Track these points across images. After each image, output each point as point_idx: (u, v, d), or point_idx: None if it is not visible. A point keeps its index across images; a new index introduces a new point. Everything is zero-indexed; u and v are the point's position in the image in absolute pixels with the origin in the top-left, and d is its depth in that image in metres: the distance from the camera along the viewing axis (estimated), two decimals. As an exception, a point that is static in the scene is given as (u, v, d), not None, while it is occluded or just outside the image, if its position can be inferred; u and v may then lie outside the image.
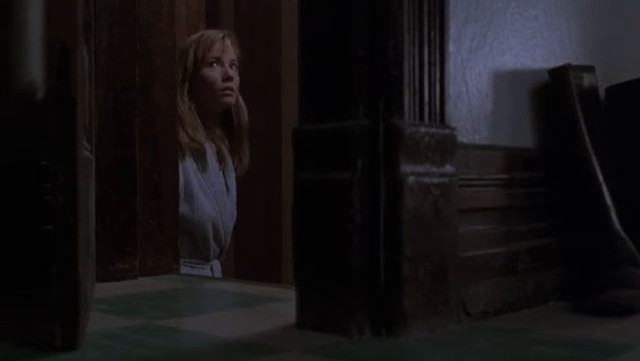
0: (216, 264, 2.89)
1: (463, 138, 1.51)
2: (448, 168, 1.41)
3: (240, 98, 3.03)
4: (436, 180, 1.37)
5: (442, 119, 1.42)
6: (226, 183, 2.95)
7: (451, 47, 1.48)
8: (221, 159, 2.96)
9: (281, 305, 1.71)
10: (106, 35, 2.11)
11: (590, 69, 1.77)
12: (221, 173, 2.94)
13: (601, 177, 1.64)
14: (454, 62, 1.51)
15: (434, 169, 1.38)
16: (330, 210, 1.35)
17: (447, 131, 1.42)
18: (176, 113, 2.35)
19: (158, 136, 2.20)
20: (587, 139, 1.66)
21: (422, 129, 1.37)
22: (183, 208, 2.55)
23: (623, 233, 1.60)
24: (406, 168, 1.33)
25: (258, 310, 1.68)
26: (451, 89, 1.49)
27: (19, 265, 1.68)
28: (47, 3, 1.29)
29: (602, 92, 1.80)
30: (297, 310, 1.41)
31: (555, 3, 1.77)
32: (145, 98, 2.19)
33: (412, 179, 1.33)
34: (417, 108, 1.37)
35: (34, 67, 1.74)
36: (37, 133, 1.63)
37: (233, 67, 2.97)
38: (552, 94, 1.73)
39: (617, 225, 1.61)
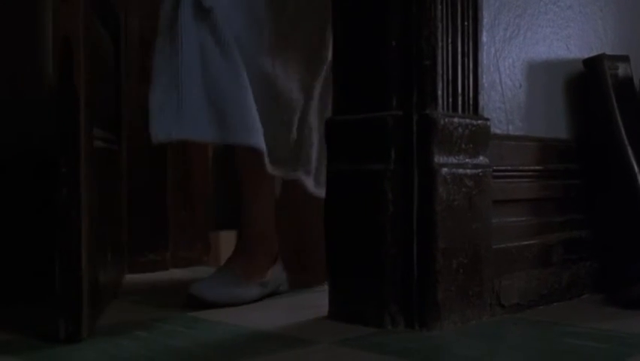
0: None
1: (496, 128, 1.50)
2: (482, 159, 1.40)
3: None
4: (469, 172, 1.36)
5: (475, 109, 1.41)
6: None
7: (484, 36, 1.47)
8: None
9: (312, 297, 1.71)
10: (137, 29, 2.12)
11: (625, 59, 1.74)
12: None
13: (636, 168, 1.61)
14: (487, 52, 1.49)
15: (468, 160, 1.37)
16: (363, 201, 1.34)
17: (480, 121, 1.41)
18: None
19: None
20: (622, 129, 1.64)
21: (456, 120, 1.36)
22: None
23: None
24: (439, 159, 1.32)
25: (289, 301, 1.68)
26: (485, 80, 1.47)
27: (27, 258, 1.67)
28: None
29: (637, 82, 1.77)
30: (329, 302, 1.41)
31: (589, -8, 1.76)
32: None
33: (445, 170, 1.32)
34: (450, 99, 1.36)
35: (44, 57, 1.73)
36: (45, 125, 1.62)
37: None
38: (586, 84, 1.71)
39: (652, 216, 1.59)
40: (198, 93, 1.54)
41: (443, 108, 1.34)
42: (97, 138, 1.42)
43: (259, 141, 1.56)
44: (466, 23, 1.39)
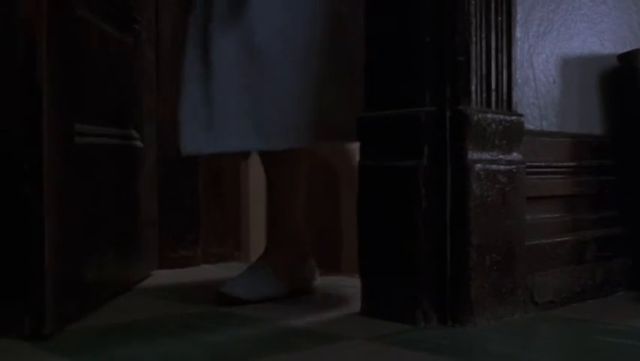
0: None
1: (530, 124, 1.49)
2: (515, 155, 1.39)
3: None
4: (503, 168, 1.35)
5: (509, 105, 1.40)
6: None
7: (518, 32, 1.46)
8: None
9: (343, 294, 1.71)
10: (169, 28, 2.13)
11: (660, 54, 1.72)
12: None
13: (672, 165, 1.60)
14: (521, 48, 1.48)
15: (501, 156, 1.36)
16: (395, 197, 1.34)
17: (514, 117, 1.40)
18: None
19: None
20: (658, 126, 1.62)
21: (489, 116, 1.35)
22: None
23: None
24: (472, 155, 1.31)
25: (320, 298, 1.68)
26: (518, 75, 1.46)
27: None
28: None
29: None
30: (361, 298, 1.41)
31: (624, -14, 1.74)
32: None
33: (478, 166, 1.31)
34: (484, 95, 1.35)
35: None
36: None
37: None
38: (621, 79, 1.69)
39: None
40: (234, 103, 1.54)
41: (476, 104, 1.34)
42: (86, 134, 1.42)
43: (300, 140, 1.56)
44: (499, 18, 1.38)
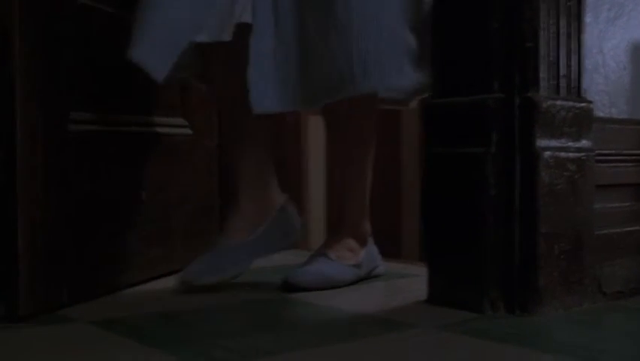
0: None
1: (599, 111, 1.46)
2: (585, 142, 1.37)
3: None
4: (572, 155, 1.34)
5: (578, 92, 1.38)
6: None
7: (587, 17, 1.43)
8: None
9: (407, 281, 1.71)
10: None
11: None
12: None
13: None
14: (590, 33, 1.45)
15: (570, 144, 1.34)
16: (463, 185, 1.33)
17: (583, 104, 1.38)
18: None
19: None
20: None
21: (558, 103, 1.33)
22: None
23: None
24: (541, 142, 1.30)
25: (385, 286, 1.69)
26: (588, 62, 1.44)
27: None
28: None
29: None
30: (428, 286, 1.41)
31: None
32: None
33: (547, 154, 1.30)
34: (553, 81, 1.33)
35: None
36: None
37: None
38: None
39: None
40: (293, 63, 1.50)
41: (546, 91, 1.32)
42: (88, 122, 1.46)
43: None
44: (569, 3, 1.36)
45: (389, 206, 3.48)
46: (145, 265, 1.67)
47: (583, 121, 1.37)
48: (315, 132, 2.46)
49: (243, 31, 1.48)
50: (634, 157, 1.53)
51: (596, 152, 1.39)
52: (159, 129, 1.73)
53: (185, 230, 1.82)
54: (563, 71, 1.35)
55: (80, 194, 1.44)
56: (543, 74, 1.32)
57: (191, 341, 1.13)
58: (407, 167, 3.17)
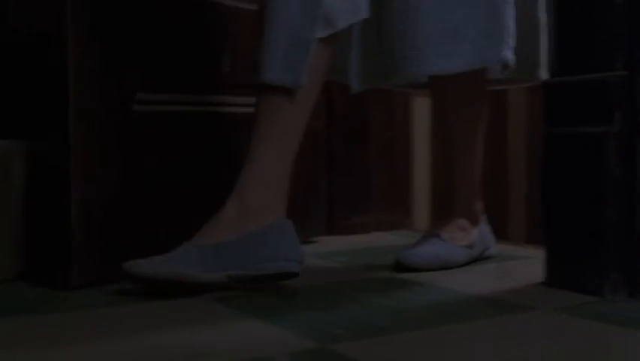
0: None
1: None
2: None
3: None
4: (698, 135, 1.28)
5: None
6: None
7: None
8: None
9: (519, 263, 1.69)
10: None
11: None
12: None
13: None
14: None
15: (696, 123, 1.29)
16: (584, 165, 1.30)
17: None
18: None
19: (390, 92, 2.21)
20: None
21: (684, 80, 1.28)
22: None
23: None
24: (666, 121, 1.25)
25: (497, 266, 1.67)
26: None
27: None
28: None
29: None
30: (545, 268, 1.38)
31: None
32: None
33: (673, 133, 1.25)
34: (679, 58, 1.28)
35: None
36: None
37: None
38: None
39: None
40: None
41: (671, 68, 1.27)
42: (155, 102, 1.49)
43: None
44: (697, -23, 1.30)
45: (495, 187, 3.43)
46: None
47: None
48: (420, 112, 2.44)
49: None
50: None
51: None
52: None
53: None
54: (689, 47, 1.29)
55: (145, 173, 1.47)
56: (668, 50, 1.27)
57: (307, 320, 1.15)
58: (516, 144, 3.11)
